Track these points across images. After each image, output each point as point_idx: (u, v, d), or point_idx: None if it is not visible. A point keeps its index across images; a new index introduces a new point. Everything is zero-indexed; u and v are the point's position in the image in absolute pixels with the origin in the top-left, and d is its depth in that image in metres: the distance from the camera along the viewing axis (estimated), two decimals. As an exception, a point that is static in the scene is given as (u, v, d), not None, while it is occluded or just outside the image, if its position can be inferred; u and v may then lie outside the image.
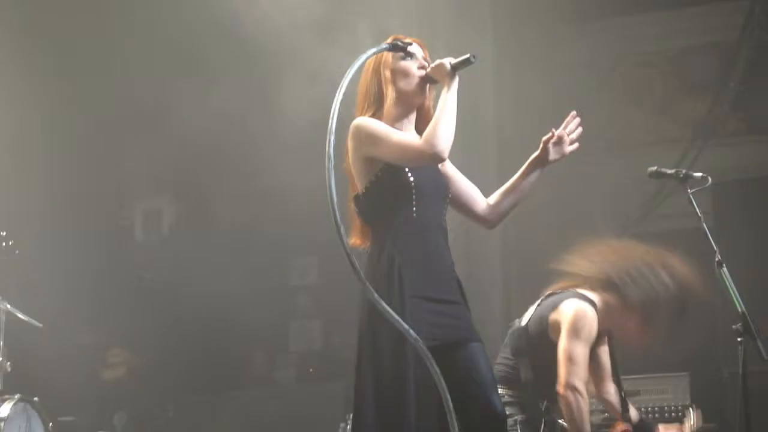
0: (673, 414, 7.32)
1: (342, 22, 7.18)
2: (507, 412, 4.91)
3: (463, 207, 4.37)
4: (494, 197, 4.37)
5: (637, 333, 5.16)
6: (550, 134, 4.33)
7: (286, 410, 8.94)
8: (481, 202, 4.37)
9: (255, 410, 8.97)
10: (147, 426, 8.73)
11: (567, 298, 5.16)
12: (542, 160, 4.33)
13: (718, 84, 8.58)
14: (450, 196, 4.27)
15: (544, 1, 8.46)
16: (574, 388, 4.90)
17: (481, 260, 8.14)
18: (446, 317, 4.05)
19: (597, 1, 8.83)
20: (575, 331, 5.00)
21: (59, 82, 9.06)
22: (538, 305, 5.27)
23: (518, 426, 5.05)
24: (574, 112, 4.37)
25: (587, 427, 4.92)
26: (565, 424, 5.01)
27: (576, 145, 4.37)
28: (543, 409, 5.08)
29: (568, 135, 4.35)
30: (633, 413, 5.42)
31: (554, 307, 5.15)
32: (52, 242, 8.77)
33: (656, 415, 7.33)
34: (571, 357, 4.95)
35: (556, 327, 5.08)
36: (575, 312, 5.05)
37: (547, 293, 5.33)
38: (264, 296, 9.55)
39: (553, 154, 4.32)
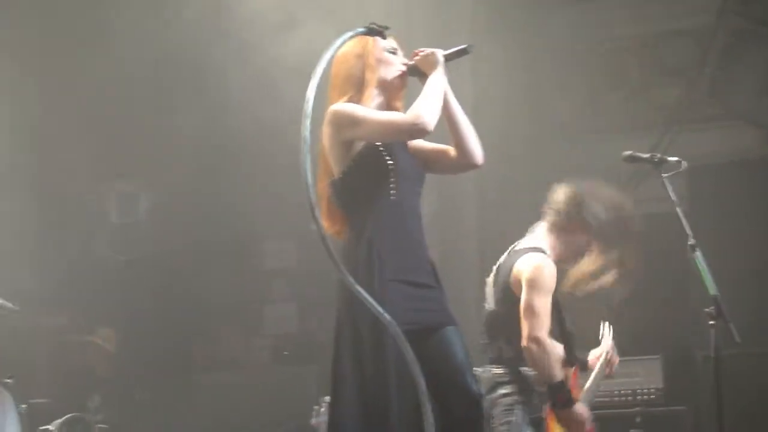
0: (645, 397, 7.37)
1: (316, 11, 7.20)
2: (504, 391, 4.97)
3: (440, 166, 4.37)
4: (452, 142, 4.33)
5: (586, 245, 5.25)
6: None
7: (261, 393, 8.94)
8: (450, 153, 4.32)
9: (229, 393, 8.97)
10: (120, 408, 8.71)
11: (518, 258, 5.18)
12: (415, 70, 4.25)
13: (694, 68, 8.60)
14: (424, 179, 4.28)
15: (519, -15, 8.50)
16: (536, 339, 4.94)
17: (456, 244, 8.16)
18: (423, 301, 4.07)
19: (572, -15, 8.87)
20: (534, 283, 5.03)
21: (35, 61, 9.01)
22: (495, 281, 5.29)
23: (515, 406, 5.06)
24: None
25: (555, 372, 4.96)
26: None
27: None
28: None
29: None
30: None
31: (509, 271, 5.18)
32: (26, 224, 8.73)
33: (629, 397, 7.37)
34: (533, 310, 4.99)
35: (518, 287, 5.10)
36: (531, 266, 5.08)
37: (495, 267, 5.35)
38: (239, 280, 9.54)
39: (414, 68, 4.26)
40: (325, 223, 4.16)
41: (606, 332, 5.62)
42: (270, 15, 7.59)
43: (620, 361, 5.67)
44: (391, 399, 3.88)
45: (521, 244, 5.30)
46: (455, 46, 4.24)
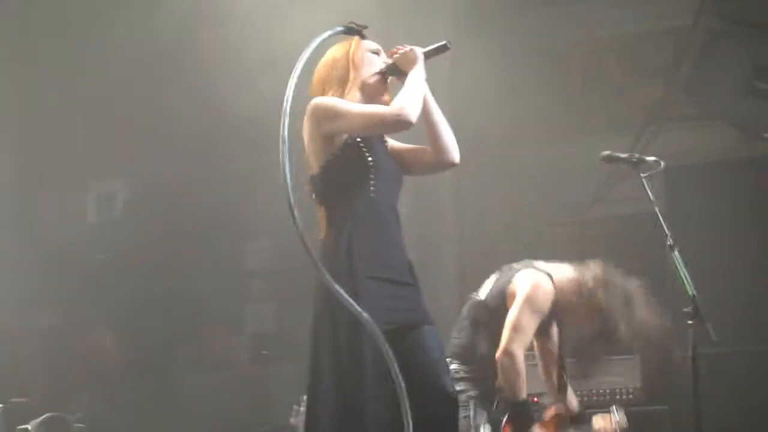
0: (624, 396, 7.38)
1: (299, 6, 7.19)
2: (461, 387, 4.98)
3: (417, 167, 4.37)
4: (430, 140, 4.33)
5: (585, 322, 5.25)
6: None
7: (240, 392, 8.94)
8: (427, 153, 4.33)
9: (209, 392, 8.96)
10: (102, 408, 8.69)
11: (524, 270, 5.21)
12: (395, 69, 4.25)
13: (672, 69, 8.62)
14: (402, 179, 4.29)
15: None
16: (510, 353, 4.98)
17: (435, 244, 8.16)
18: (401, 300, 4.07)
19: (551, -15, 8.88)
20: (527, 301, 5.07)
21: (14, 59, 8.98)
22: (497, 279, 5.31)
23: (471, 402, 5.09)
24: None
25: (521, 388, 4.99)
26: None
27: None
28: (497, 385, 5.12)
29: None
30: (574, 402, 5.48)
31: (511, 279, 5.20)
32: (5, 223, 8.70)
33: (607, 397, 7.39)
34: (517, 325, 5.03)
35: (513, 298, 5.12)
36: (531, 283, 5.12)
37: (505, 266, 5.38)
38: (219, 279, 9.52)
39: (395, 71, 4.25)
40: (324, 232, 4.18)
41: (618, 416, 5.63)
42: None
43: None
44: (367, 397, 3.88)
45: (541, 263, 5.32)
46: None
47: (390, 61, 4.25)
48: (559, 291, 5.21)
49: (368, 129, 4.09)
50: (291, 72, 3.78)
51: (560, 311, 5.27)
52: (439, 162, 4.29)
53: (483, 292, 5.33)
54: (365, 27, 4.24)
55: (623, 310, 5.15)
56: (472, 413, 5.05)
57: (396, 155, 4.32)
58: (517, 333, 5.01)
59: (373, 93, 4.24)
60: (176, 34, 8.03)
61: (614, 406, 5.64)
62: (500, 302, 5.19)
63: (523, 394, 5.00)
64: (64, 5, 8.76)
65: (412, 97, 4.03)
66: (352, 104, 4.11)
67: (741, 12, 8.11)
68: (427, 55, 4.14)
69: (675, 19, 8.70)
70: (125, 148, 9.15)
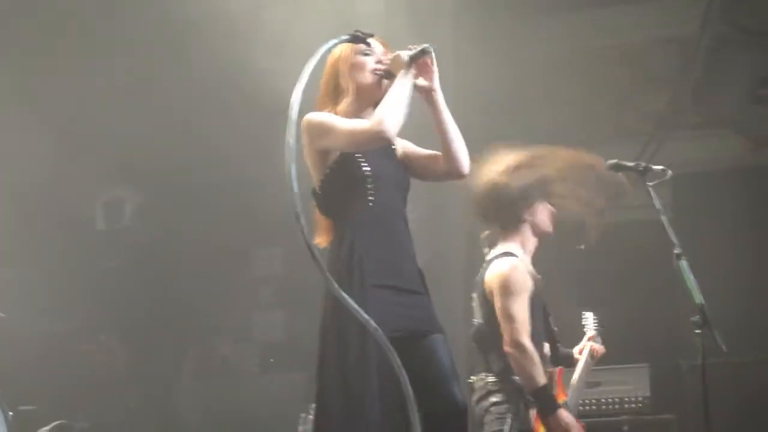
0: (633, 405, 7.38)
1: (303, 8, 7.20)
2: (496, 399, 4.98)
3: (426, 174, 4.36)
4: (441, 150, 4.30)
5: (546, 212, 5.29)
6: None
7: (248, 400, 8.95)
8: (439, 161, 4.31)
9: (217, 400, 8.98)
10: (109, 416, 8.70)
11: (488, 266, 5.21)
12: (422, 90, 4.19)
13: (679, 77, 8.62)
14: (408, 185, 4.29)
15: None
16: (518, 344, 4.97)
17: (443, 251, 8.16)
18: (408, 308, 4.07)
19: (556, -6, 8.89)
20: (505, 288, 5.06)
21: (15, 64, 8.99)
22: (476, 298, 5.31)
23: (508, 415, 5.06)
24: (409, 46, 4.27)
25: (539, 378, 4.97)
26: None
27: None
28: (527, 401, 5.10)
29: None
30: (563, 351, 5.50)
31: (482, 282, 5.21)
32: (12, 231, 8.71)
33: (616, 406, 7.38)
34: (509, 315, 5.02)
35: (492, 296, 5.12)
36: (500, 272, 5.11)
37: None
38: (227, 286, 9.54)
39: (423, 81, 4.18)
40: (321, 239, 4.20)
41: (589, 322, 5.65)
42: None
43: (608, 369, 5.69)
44: (374, 406, 3.88)
45: (492, 253, 5.32)
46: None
47: (383, 66, 4.21)
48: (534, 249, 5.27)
49: (353, 147, 4.08)
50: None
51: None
52: (448, 171, 4.28)
53: (476, 315, 5.34)
54: (371, 35, 4.23)
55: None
56: (507, 427, 5.04)
57: (406, 159, 4.32)
58: (513, 323, 5.00)
59: (368, 96, 4.24)
60: (188, 37, 8.04)
61: (589, 313, 5.66)
62: (490, 313, 5.18)
63: (541, 380, 4.98)
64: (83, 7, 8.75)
65: (391, 110, 3.98)
66: (338, 121, 4.10)
67: (747, 20, 8.11)
68: (412, 58, 4.11)
69: (681, 27, 8.72)
70: (135, 156, 9.15)
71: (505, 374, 5.10)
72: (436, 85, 4.16)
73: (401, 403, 3.78)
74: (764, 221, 8.16)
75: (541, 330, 5.23)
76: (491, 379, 5.13)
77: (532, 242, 5.33)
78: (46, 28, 8.82)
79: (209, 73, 8.29)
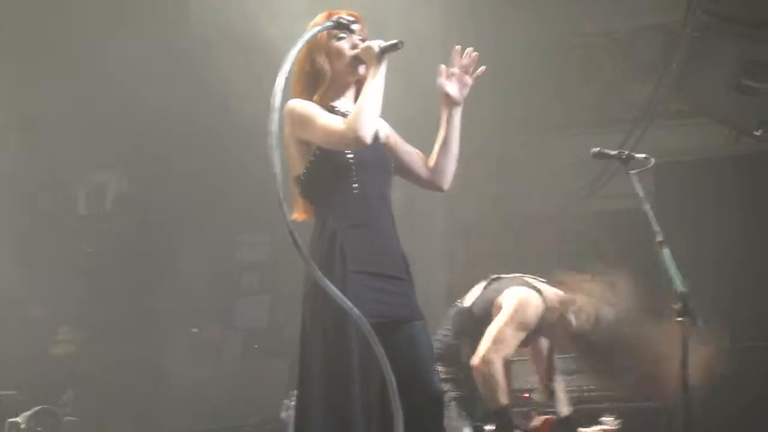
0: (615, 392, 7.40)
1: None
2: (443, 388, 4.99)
3: (406, 174, 4.36)
4: (432, 158, 4.32)
5: (566, 344, 5.30)
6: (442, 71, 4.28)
7: (231, 387, 8.95)
8: (423, 166, 4.33)
9: (200, 386, 8.97)
10: (94, 402, 8.70)
11: (514, 284, 5.22)
12: (449, 100, 4.25)
13: (662, 65, 8.63)
14: (393, 169, 4.28)
15: (491, -20, 8.50)
16: (488, 361, 4.99)
17: (425, 237, 8.17)
18: (389, 294, 4.07)
19: (543, -20, 8.89)
20: (513, 315, 5.08)
21: (11, 50, 8.97)
22: (485, 288, 5.32)
23: (453, 403, 5.09)
24: (457, 47, 4.31)
25: (501, 395, 4.99)
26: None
27: (482, 68, 4.29)
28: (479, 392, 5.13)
29: (461, 68, 4.27)
30: (564, 408, 5.49)
31: (500, 291, 5.21)
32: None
33: (600, 393, 7.40)
34: (499, 337, 5.04)
35: (499, 310, 5.14)
36: (519, 298, 5.13)
37: (493, 276, 5.38)
38: (211, 272, 9.53)
39: (454, 90, 4.24)
40: (299, 214, 4.20)
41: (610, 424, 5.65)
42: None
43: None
44: (355, 393, 3.88)
45: (530, 278, 5.34)
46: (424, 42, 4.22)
47: (355, 51, 4.17)
48: (548, 306, 5.24)
49: (327, 145, 4.07)
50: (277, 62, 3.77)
51: (546, 326, 5.30)
52: (431, 181, 4.32)
53: (469, 300, 5.34)
54: (355, 21, 4.21)
55: (594, 334, 5.21)
56: (454, 414, 5.06)
57: (390, 148, 4.32)
58: (497, 344, 5.03)
59: (343, 81, 4.22)
60: (170, 25, 8.02)
61: (603, 418, 5.65)
62: (486, 313, 5.20)
63: (503, 401, 5.00)
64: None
65: (366, 113, 3.95)
66: (318, 117, 4.07)
67: (731, 9, 8.11)
68: (383, 51, 4.08)
69: (665, 15, 8.72)
70: (118, 141, 9.14)
71: (466, 366, 5.13)
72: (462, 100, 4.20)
73: (381, 389, 3.80)
74: (746, 210, 8.18)
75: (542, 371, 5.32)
76: (440, 367, 5.13)
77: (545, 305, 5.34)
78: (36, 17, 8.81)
79: (189, 58, 8.27)
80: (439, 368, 5.11)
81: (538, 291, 5.22)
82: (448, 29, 8.33)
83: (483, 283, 5.39)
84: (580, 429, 5.55)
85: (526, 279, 5.30)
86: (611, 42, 9.10)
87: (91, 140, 9.14)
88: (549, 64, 8.95)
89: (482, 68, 4.29)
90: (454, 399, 5.12)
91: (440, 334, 5.36)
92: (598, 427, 5.54)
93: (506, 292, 5.20)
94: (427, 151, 4.38)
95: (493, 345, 5.02)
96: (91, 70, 8.72)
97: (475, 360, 5.01)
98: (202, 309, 9.62)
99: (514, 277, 5.32)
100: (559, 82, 8.99)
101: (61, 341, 9.18)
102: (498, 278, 5.36)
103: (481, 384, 5.01)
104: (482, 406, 5.11)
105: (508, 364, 5.16)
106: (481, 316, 5.23)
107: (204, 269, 9.39)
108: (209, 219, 9.37)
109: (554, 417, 5.40)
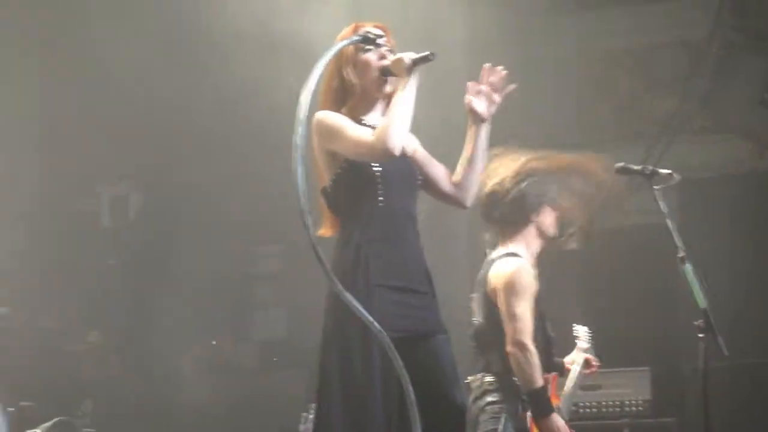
0: (633, 408, 7.38)
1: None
2: (492, 398, 4.97)
3: (431, 189, 4.33)
4: (457, 175, 4.31)
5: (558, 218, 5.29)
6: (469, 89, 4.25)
7: (249, 399, 8.94)
8: (447, 182, 4.31)
9: (218, 398, 8.97)
10: (112, 413, 8.69)
11: (491, 266, 5.20)
12: (476, 116, 4.23)
13: (686, 81, 8.61)
14: (419, 183, 4.26)
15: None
16: (521, 344, 4.96)
17: (446, 250, 8.14)
18: (411, 308, 4.05)
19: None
20: (511, 288, 5.05)
21: (23, 60, 8.98)
22: (477, 297, 5.30)
23: (503, 414, 5.06)
24: (486, 65, 4.30)
25: (537, 380, 4.96)
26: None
27: (512, 86, 4.27)
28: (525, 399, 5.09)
29: (489, 86, 4.23)
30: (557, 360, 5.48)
31: (485, 281, 5.19)
32: (16, 226, 8.72)
33: (617, 409, 7.38)
34: (514, 315, 5.01)
35: (496, 296, 5.11)
36: (506, 272, 5.10)
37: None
38: (228, 284, 9.53)
39: (482, 107, 4.21)
40: (327, 230, 4.19)
41: (581, 334, 5.63)
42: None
43: (609, 372, 5.67)
44: (376, 407, 3.87)
45: (495, 253, 5.30)
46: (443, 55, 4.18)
47: (386, 62, 4.16)
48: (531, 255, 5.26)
49: (357, 157, 4.06)
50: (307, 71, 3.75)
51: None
52: (454, 197, 4.30)
53: (476, 315, 5.32)
54: (382, 36, 4.20)
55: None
56: (501, 427, 5.03)
57: (417, 162, 4.30)
58: (517, 322, 4.99)
59: (372, 95, 4.21)
60: (194, 34, 8.02)
61: (581, 326, 5.64)
62: (492, 313, 5.17)
63: (538, 383, 4.97)
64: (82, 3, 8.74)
65: (396, 124, 3.94)
66: (347, 128, 4.06)
67: (756, 26, 8.11)
68: (415, 63, 4.07)
69: (689, 31, 8.71)
70: (139, 153, 9.16)
71: (503, 374, 5.09)
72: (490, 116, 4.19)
73: (401, 404, 3.78)
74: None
75: (539, 336, 5.22)
76: (489, 378, 5.12)
77: (536, 245, 5.32)
78: (48, 20, 8.83)
79: (213, 69, 8.27)
80: (487, 379, 5.11)
81: (517, 255, 5.20)
82: (467, 48, 8.33)
83: (474, 295, 5.37)
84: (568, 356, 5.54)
85: (501, 253, 5.26)
86: (635, 57, 9.09)
87: (110, 151, 9.16)
88: (572, 79, 8.93)
89: (513, 86, 4.27)
90: (505, 410, 5.08)
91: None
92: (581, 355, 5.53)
93: (490, 276, 5.17)
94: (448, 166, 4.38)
95: (515, 326, 4.99)
96: (112, 77, 8.73)
97: (507, 346, 4.99)
98: (220, 321, 9.62)
99: (488, 261, 5.29)
100: (581, 97, 8.98)
101: (79, 352, 9.18)
102: (479, 275, 5.33)
103: (516, 368, 4.98)
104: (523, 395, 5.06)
105: None
106: (491, 324, 5.19)
107: (222, 280, 9.39)
108: (227, 229, 9.38)
109: (557, 375, 5.37)
